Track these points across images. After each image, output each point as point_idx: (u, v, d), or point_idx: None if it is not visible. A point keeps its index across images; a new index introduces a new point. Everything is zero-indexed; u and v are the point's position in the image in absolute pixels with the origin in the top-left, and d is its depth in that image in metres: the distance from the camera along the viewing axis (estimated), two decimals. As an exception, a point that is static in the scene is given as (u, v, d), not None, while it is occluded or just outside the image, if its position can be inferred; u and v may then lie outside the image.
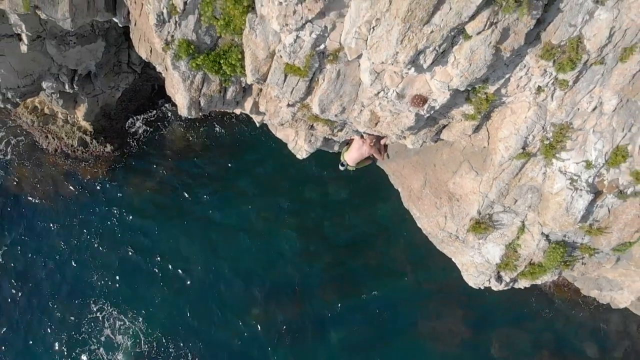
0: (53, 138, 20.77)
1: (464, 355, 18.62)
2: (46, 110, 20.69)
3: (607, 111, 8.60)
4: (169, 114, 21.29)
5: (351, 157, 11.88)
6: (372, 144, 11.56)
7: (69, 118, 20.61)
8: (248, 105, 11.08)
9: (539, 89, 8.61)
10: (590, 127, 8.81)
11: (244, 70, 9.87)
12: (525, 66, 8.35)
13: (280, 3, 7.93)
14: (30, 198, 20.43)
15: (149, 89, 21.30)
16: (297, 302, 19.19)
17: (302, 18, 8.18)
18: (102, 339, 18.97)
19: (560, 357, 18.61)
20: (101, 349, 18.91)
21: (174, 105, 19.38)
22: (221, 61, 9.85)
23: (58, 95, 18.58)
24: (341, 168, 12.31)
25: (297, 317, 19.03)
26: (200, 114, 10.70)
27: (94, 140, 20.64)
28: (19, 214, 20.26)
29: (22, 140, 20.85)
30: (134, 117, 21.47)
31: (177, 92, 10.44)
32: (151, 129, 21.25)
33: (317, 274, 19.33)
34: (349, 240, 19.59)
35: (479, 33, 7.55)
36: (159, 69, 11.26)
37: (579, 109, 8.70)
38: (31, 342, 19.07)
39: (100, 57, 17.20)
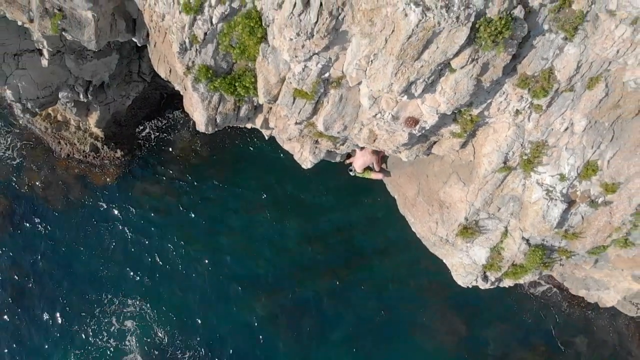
0: (65, 144, 21.12)
1: (460, 351, 19.00)
2: (59, 117, 21.05)
3: (578, 131, 9.40)
4: (178, 121, 21.60)
5: (357, 164, 13.29)
6: (372, 152, 12.89)
7: (81, 125, 20.93)
8: (259, 121, 11.86)
9: (517, 112, 9.43)
10: (563, 145, 9.60)
11: (257, 92, 10.63)
12: (504, 93, 9.18)
13: (291, 39, 8.78)
14: (42, 200, 20.77)
15: (158, 97, 21.67)
16: (299, 300, 19.65)
17: (309, 51, 9.02)
18: (112, 329, 19.52)
19: (551, 354, 18.95)
20: (111, 339, 19.50)
21: (182, 112, 20.09)
22: (236, 84, 10.61)
23: (72, 104, 19.04)
24: (350, 173, 13.63)
25: (299, 314, 19.51)
26: (215, 129, 11.54)
27: (105, 146, 20.98)
28: (31, 215, 20.64)
29: (34, 146, 21.17)
30: (144, 124, 21.79)
31: (195, 110, 11.17)
32: (160, 135, 21.57)
33: (318, 275, 19.78)
34: (349, 242, 20.10)
35: (462, 67, 8.41)
36: (177, 88, 11.90)
37: (552, 129, 9.50)
38: (43, 338, 19.64)
39: (113, 68, 17.73)
